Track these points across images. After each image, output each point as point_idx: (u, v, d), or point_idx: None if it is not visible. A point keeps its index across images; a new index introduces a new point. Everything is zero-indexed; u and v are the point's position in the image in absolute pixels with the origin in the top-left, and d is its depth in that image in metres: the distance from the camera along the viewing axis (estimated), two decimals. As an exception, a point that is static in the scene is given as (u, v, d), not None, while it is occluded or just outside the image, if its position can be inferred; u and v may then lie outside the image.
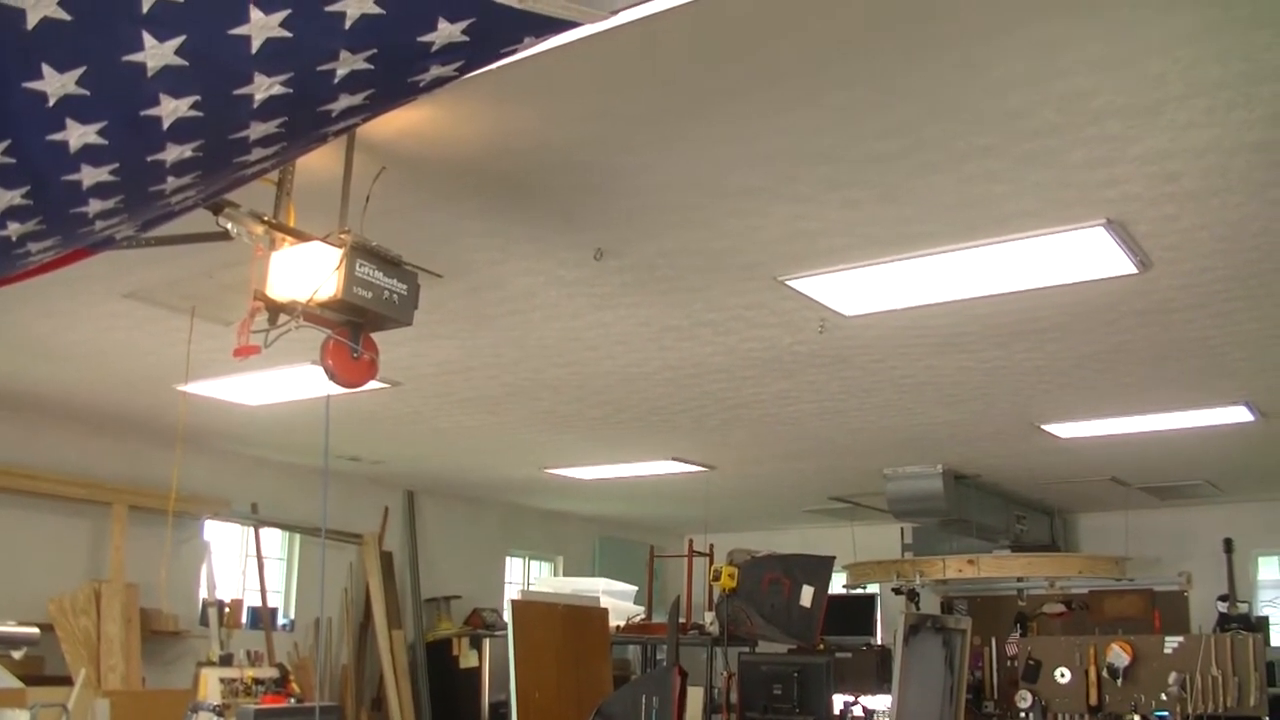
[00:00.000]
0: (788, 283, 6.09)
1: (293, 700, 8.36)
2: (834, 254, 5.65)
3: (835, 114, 4.27)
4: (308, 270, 4.30)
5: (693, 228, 5.39)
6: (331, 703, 11.21)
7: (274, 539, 12.41)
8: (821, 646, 10.20)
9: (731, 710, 10.09)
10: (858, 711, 9.94)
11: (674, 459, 11.18)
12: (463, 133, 4.50)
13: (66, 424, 10.29)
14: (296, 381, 8.26)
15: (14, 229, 2.74)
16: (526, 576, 15.76)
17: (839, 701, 9.92)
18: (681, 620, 10.01)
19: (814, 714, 9.66)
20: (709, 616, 10.38)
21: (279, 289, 4.34)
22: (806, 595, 9.97)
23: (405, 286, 4.48)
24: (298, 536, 12.56)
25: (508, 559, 15.35)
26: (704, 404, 8.86)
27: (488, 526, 14.79)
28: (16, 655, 8.55)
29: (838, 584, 12.22)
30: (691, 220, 5.31)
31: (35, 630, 3.00)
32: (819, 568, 10.13)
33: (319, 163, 4.50)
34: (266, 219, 4.39)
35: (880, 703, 10.51)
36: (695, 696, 9.57)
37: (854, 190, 4.92)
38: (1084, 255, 5.53)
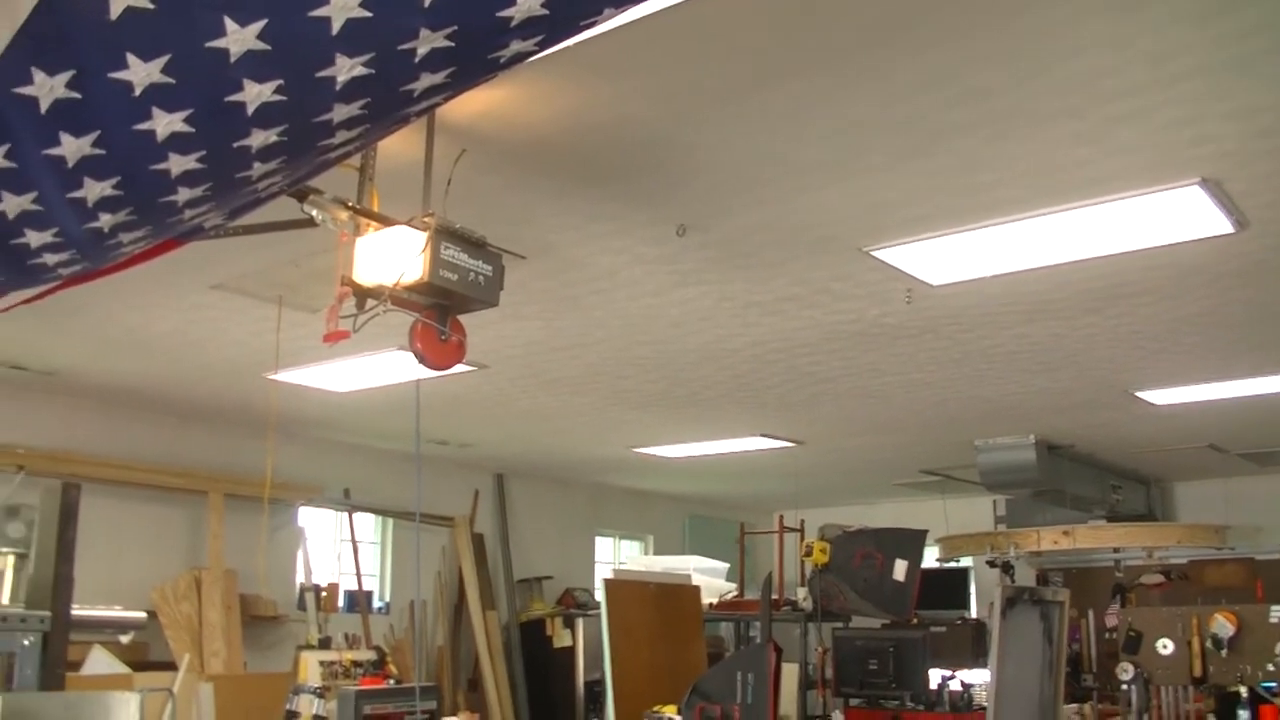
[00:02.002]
0: (873, 253, 6.01)
1: (391, 681, 8.44)
2: (917, 223, 5.57)
3: (909, 83, 4.21)
4: (393, 254, 4.31)
5: (772, 202, 5.34)
6: (429, 683, 11.30)
7: (367, 523, 12.55)
8: (915, 621, 10.11)
9: (827, 686, 10.03)
10: (955, 686, 9.82)
11: (762, 435, 11.13)
12: (542, 112, 4.49)
13: (160, 415, 10.47)
14: (384, 367, 8.33)
15: (106, 220, 2.76)
16: (617, 556, 15.80)
17: (935, 676, 9.81)
18: (774, 596, 9.96)
19: (910, 689, 9.57)
20: (801, 592, 10.31)
21: (365, 274, 4.36)
22: (900, 569, 9.88)
23: (490, 268, 4.48)
24: (390, 520, 12.68)
25: (597, 539, 15.40)
26: (791, 379, 8.80)
27: (577, 507, 14.84)
28: (124, 639, 8.73)
29: (930, 558, 12.10)
30: (770, 194, 5.27)
31: (143, 614, 3.07)
32: (911, 541, 10.04)
33: (400, 147, 4.51)
34: (350, 204, 4.41)
35: (977, 677, 10.39)
36: (790, 672, 9.51)
37: (932, 159, 4.85)
38: (1178, 215, 5.40)
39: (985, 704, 9.63)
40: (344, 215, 4.38)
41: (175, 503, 10.50)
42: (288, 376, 8.61)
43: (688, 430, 11.03)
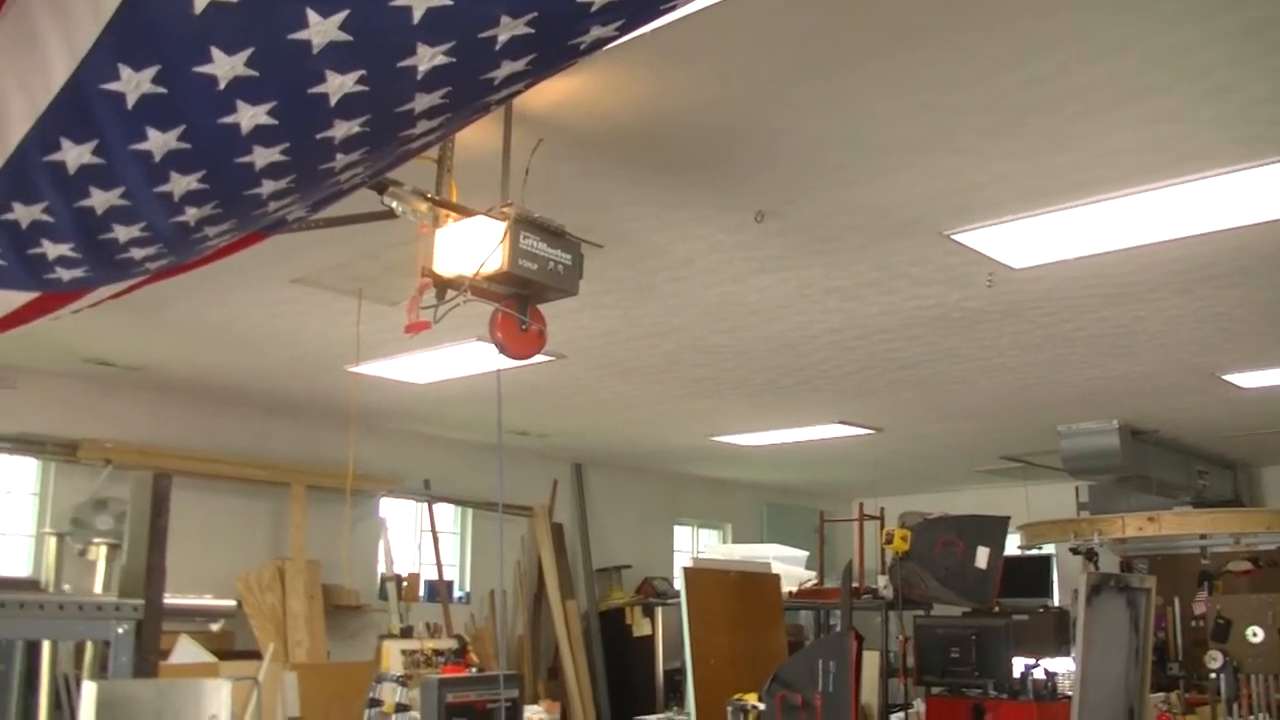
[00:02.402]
0: (953, 237, 5.94)
1: (473, 670, 8.50)
2: (999, 205, 5.50)
3: (993, 60, 4.15)
4: (473, 245, 4.32)
5: (853, 185, 5.29)
6: (512, 671, 11.35)
7: (447, 514, 12.64)
8: (996, 609, 10.00)
9: (908, 674, 9.96)
10: (1039, 675, 9.69)
11: (841, 422, 11.07)
12: (618, 100, 4.48)
13: (244, 409, 10.62)
14: (463, 359, 8.37)
15: (192, 214, 2.79)
16: (695, 545, 15.80)
17: (1019, 664, 9.69)
18: (854, 584, 9.91)
19: (994, 677, 9.46)
20: (882, 580, 10.24)
21: (445, 265, 4.37)
22: (981, 556, 9.78)
23: (569, 256, 4.47)
24: (470, 511, 12.77)
25: (676, 528, 15.40)
26: (870, 365, 8.74)
27: (655, 496, 14.86)
28: (214, 628, 8.88)
29: (1012, 545, 11.97)
30: (850, 177, 5.22)
31: (233, 603, 3.11)
32: (993, 528, 9.93)
33: (477, 138, 4.52)
34: (430, 196, 4.43)
35: (1060, 666, 10.26)
36: (871, 660, 9.46)
37: (1015, 139, 4.78)
38: (1267, 194, 5.28)
39: (1070, 693, 9.53)
40: (423, 207, 4.39)
41: (259, 495, 10.65)
42: (368, 369, 8.69)
43: (766, 418, 11.00)
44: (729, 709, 6.23)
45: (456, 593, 12.53)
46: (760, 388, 9.55)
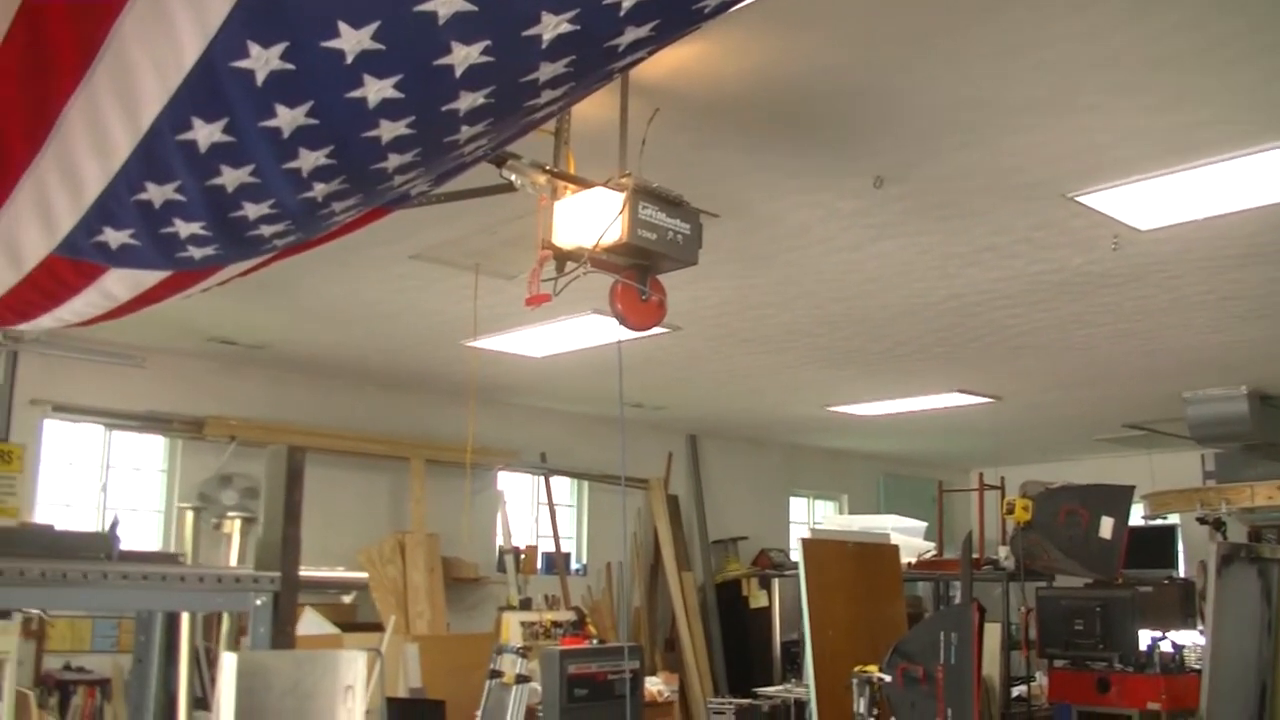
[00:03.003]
0: (1077, 199, 5.80)
1: (593, 642, 8.55)
2: (1127, 165, 5.35)
3: (1120, 12, 4.02)
4: (592, 216, 4.32)
5: (975, 147, 5.18)
6: (633, 643, 11.40)
7: (563, 487, 12.71)
8: (1119, 580, 9.81)
9: (1030, 646, 9.82)
10: (1166, 647, 9.50)
11: (959, 391, 10.92)
12: (734, 67, 4.44)
13: (362, 385, 10.78)
14: (579, 331, 8.39)
15: (320, 189, 2.81)
16: (811, 516, 15.72)
17: (1144, 637, 9.51)
18: (974, 555, 9.79)
19: (1119, 650, 9.29)
20: (1003, 551, 10.10)
21: (565, 237, 4.37)
22: (1106, 526, 9.62)
23: (688, 226, 4.45)
24: (586, 483, 12.83)
25: (791, 499, 15.34)
26: (990, 333, 8.59)
27: (770, 467, 14.80)
28: (346, 599, 9.07)
29: (1136, 515, 11.73)
30: (972, 139, 5.11)
31: (364, 575, 3.14)
32: (1118, 498, 9.75)
33: (593, 109, 4.50)
34: (548, 168, 4.43)
35: (1186, 638, 10.04)
36: (992, 632, 9.35)
37: (1146, 94, 4.63)
38: None
39: (1198, 666, 9.33)
40: (542, 179, 4.40)
41: (379, 469, 10.80)
42: (485, 343, 8.75)
43: (883, 387, 10.89)
44: (853, 681, 6.18)
45: (573, 565, 12.60)
46: (878, 356, 9.44)
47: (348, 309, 8.07)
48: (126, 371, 9.37)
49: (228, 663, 2.44)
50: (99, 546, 2.90)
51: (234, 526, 3.07)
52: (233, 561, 2.99)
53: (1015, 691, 10.04)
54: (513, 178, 4.36)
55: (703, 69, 4.45)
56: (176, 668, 3.05)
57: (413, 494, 10.76)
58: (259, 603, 2.60)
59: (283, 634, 2.62)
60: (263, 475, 2.71)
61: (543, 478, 12.16)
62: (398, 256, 6.84)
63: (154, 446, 10.08)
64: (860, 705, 6.12)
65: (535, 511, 12.38)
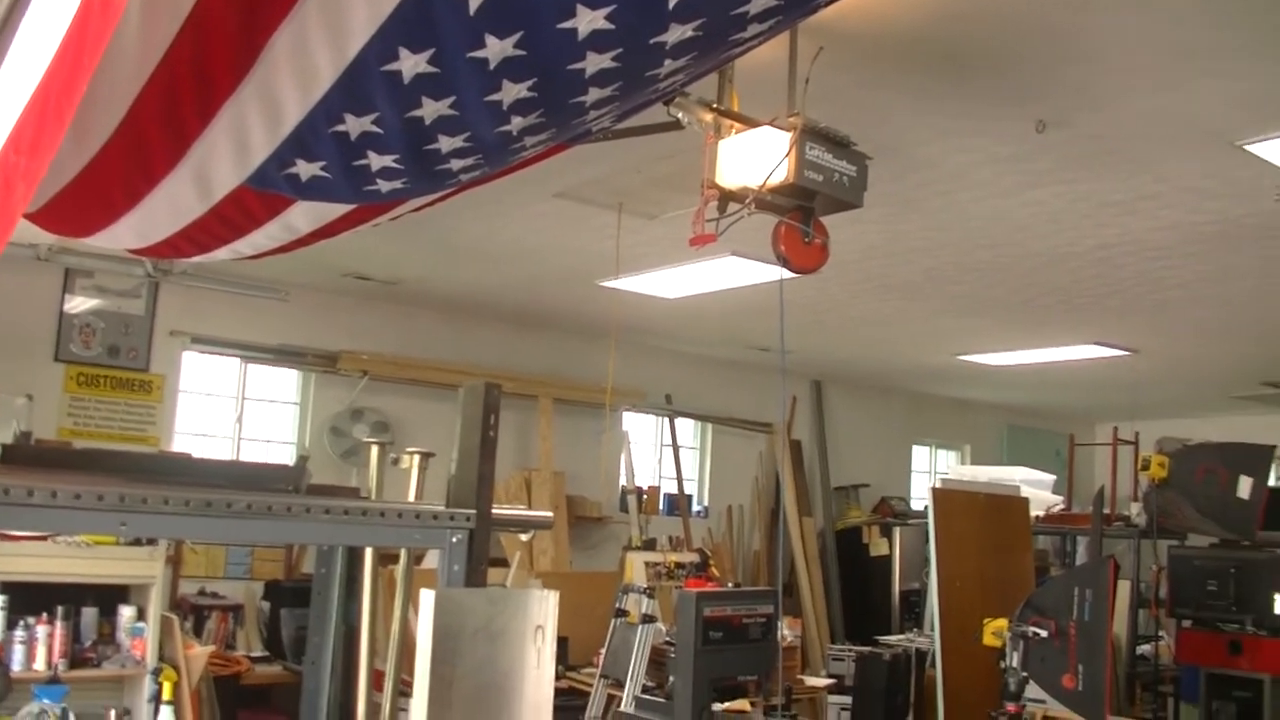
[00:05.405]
0: (1246, 148, 5.58)
1: (729, 584, 8.54)
2: (1308, 112, 5.13)
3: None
4: (757, 156, 4.24)
5: (1151, 92, 4.98)
6: (767, 587, 11.34)
7: (686, 429, 12.70)
8: (1247, 543, 9.58)
9: (1160, 606, 9.63)
10: (1303, 611, 9.26)
11: (1095, 343, 10.67)
12: (903, 4, 4.30)
13: (493, 322, 10.83)
14: (716, 273, 8.31)
15: (516, 123, 2.77)
16: (934, 465, 15.56)
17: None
18: (1105, 511, 9.61)
19: (1253, 613, 9.08)
20: (1135, 508, 9.91)
21: (729, 176, 4.30)
22: (1244, 486, 9.40)
23: (854, 168, 4.37)
24: (709, 426, 12.82)
25: (914, 448, 15.19)
26: (1137, 284, 8.35)
27: (894, 415, 14.67)
28: (525, 538, 9.18)
29: (1274, 475, 11.43)
30: (1147, 84, 4.90)
31: (550, 514, 3.12)
32: (1258, 457, 9.52)
33: (757, 48, 4.40)
34: (715, 106, 4.35)
35: (1322, 605, 9.79)
36: (1122, 590, 9.18)
37: (1343, 38, 4.41)
38: None
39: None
40: (708, 117, 4.32)
41: (507, 406, 10.65)
42: (620, 283, 8.70)
43: (1017, 338, 10.69)
44: (1009, 634, 6.10)
45: (695, 507, 12.61)
46: (1017, 306, 9.25)
47: (487, 246, 8.07)
48: (263, 304, 9.50)
49: (426, 600, 2.43)
50: (289, 479, 2.91)
51: (413, 462, 3.06)
52: (411, 497, 2.98)
53: (1140, 650, 9.88)
54: (680, 115, 4.29)
55: (871, 5, 4.32)
56: (359, 601, 3.06)
57: (540, 431, 10.82)
58: (455, 540, 2.58)
59: (476, 572, 2.61)
60: (458, 411, 2.70)
61: (668, 419, 12.15)
62: (543, 195, 6.80)
63: (287, 380, 10.23)
64: (1014, 659, 6.02)
65: (659, 453, 12.39)
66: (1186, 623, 9.45)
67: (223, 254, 3.95)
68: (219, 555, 9.37)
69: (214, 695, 7.56)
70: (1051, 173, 6.09)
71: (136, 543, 6.68)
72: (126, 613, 6.85)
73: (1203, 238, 7.12)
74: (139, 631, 6.77)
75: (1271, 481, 11.43)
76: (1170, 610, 9.55)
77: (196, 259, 4.15)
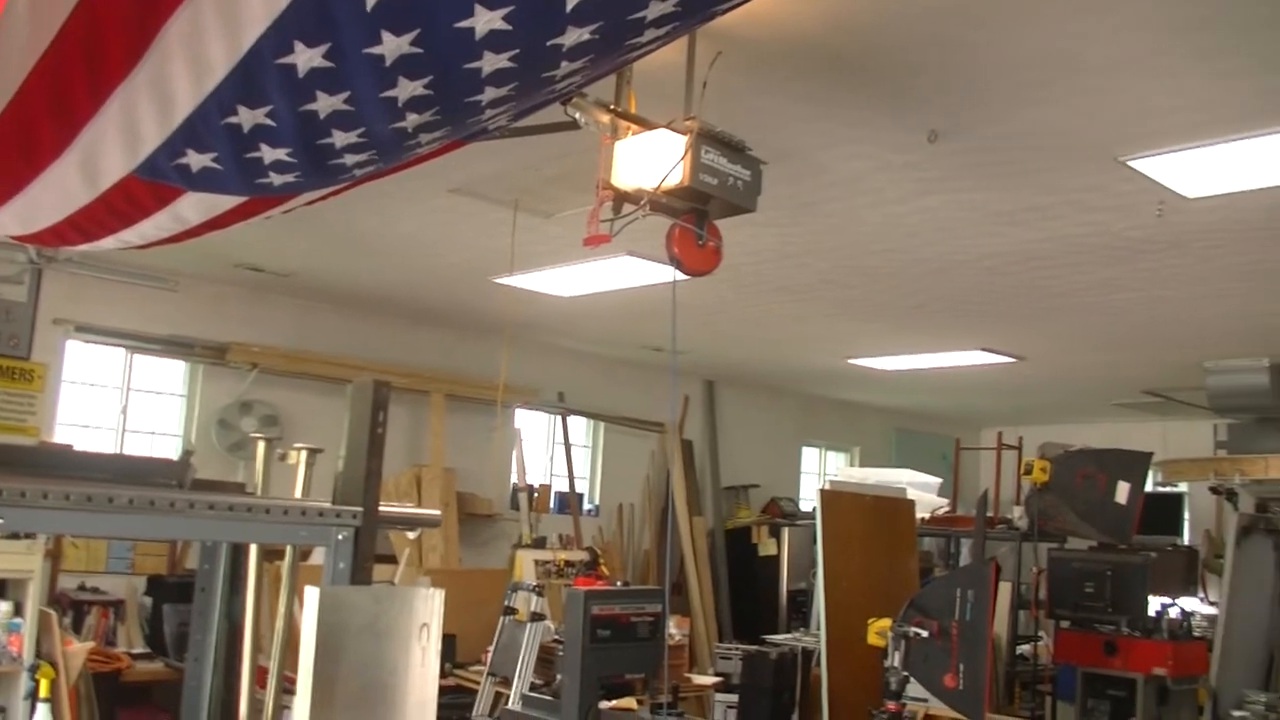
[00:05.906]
0: (1129, 163, 5.73)
1: (619, 583, 8.56)
2: (1189, 130, 5.26)
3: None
4: (653, 158, 4.27)
5: (1041, 106, 5.10)
6: (656, 586, 11.39)
7: (578, 427, 12.71)
8: (1123, 547, 9.84)
9: (1040, 607, 9.85)
10: (1174, 614, 9.52)
11: (982, 349, 10.89)
12: (803, 11, 4.35)
13: (387, 317, 10.75)
14: (611, 273, 8.34)
15: (412, 120, 2.76)
16: (823, 467, 15.74)
17: (1154, 603, 9.52)
18: (988, 514, 9.80)
19: (1128, 614, 9.30)
20: (1017, 511, 10.12)
21: (625, 177, 4.33)
22: (1122, 492, 9.64)
23: (749, 173, 4.42)
24: (601, 425, 12.84)
25: (804, 449, 15.36)
26: (1023, 293, 8.54)
27: (785, 417, 14.81)
28: (412, 535, 9.09)
29: (1148, 482, 11.75)
30: (1040, 98, 5.02)
31: (438, 513, 3.11)
32: (1136, 464, 9.76)
33: (656, 52, 4.43)
34: (612, 108, 4.37)
35: (1188, 605, 10.08)
36: (1003, 591, 9.37)
37: (1230, 59, 4.51)
38: None
39: (1203, 633, 9.37)
40: (605, 118, 4.34)
41: (399, 402, 10.75)
42: (514, 281, 8.69)
43: (907, 342, 10.86)
44: (891, 634, 6.19)
45: (586, 505, 12.63)
46: (907, 311, 9.40)
47: (381, 240, 8.01)
48: (150, 294, 9.32)
49: (310, 597, 2.42)
50: (172, 474, 2.86)
51: (300, 457, 3.03)
52: (297, 493, 2.96)
53: (1020, 650, 10.08)
54: (577, 115, 4.30)
55: (771, 13, 4.36)
56: (243, 597, 3.03)
57: (432, 428, 10.75)
58: (340, 537, 2.57)
59: (361, 570, 2.60)
60: (347, 408, 2.68)
61: (560, 417, 12.15)
62: (438, 189, 6.77)
63: (175, 371, 10.06)
64: (895, 659, 6.12)
65: (551, 450, 12.39)
66: (1064, 623, 9.64)
67: (110, 244, 3.88)
68: (100, 549, 9.18)
69: (93, 693, 7.42)
70: (943, 182, 6.20)
71: (14, 536, 6.52)
72: (3, 608, 6.68)
73: (1087, 249, 7.30)
74: (15, 627, 6.61)
75: (1148, 487, 11.77)
76: (1049, 611, 9.75)
77: (83, 247, 4.08)
